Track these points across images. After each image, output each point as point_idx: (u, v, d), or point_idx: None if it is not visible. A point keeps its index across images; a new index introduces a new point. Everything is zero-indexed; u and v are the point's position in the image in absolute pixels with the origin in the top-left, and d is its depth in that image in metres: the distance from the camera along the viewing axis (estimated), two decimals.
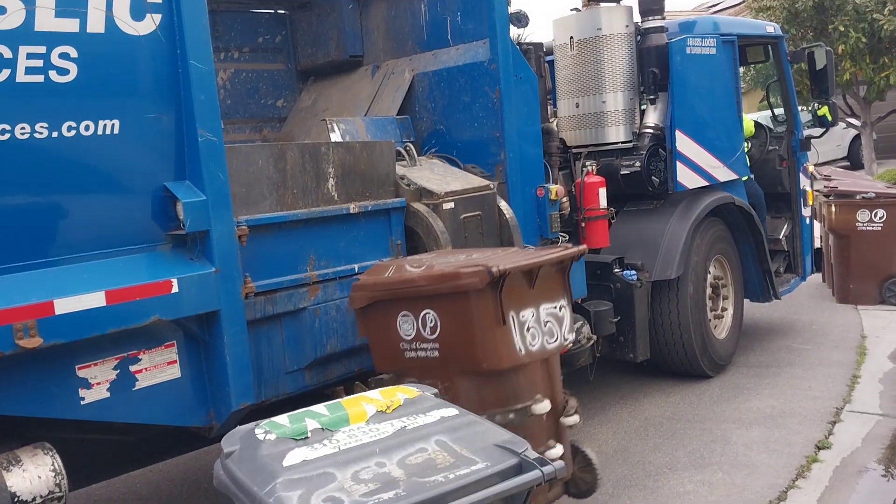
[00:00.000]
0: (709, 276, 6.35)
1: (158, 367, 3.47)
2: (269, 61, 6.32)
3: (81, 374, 3.24)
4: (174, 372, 3.52)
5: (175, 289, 3.35)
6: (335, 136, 4.78)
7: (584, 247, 3.96)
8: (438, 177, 4.64)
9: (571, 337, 3.90)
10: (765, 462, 4.77)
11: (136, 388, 3.40)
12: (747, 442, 5.08)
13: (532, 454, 2.40)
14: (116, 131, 3.27)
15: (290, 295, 3.95)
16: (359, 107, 5.66)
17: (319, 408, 2.65)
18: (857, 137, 19.43)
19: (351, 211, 4.20)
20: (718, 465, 4.79)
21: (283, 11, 6.38)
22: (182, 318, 3.45)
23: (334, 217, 4.15)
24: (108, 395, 3.32)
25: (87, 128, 3.18)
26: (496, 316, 3.44)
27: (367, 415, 2.59)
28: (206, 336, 3.57)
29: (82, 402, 3.24)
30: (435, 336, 3.50)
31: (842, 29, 15.32)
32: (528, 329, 3.60)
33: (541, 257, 3.66)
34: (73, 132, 3.14)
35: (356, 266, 4.24)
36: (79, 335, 3.11)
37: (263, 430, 2.50)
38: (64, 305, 3.06)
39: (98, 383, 3.29)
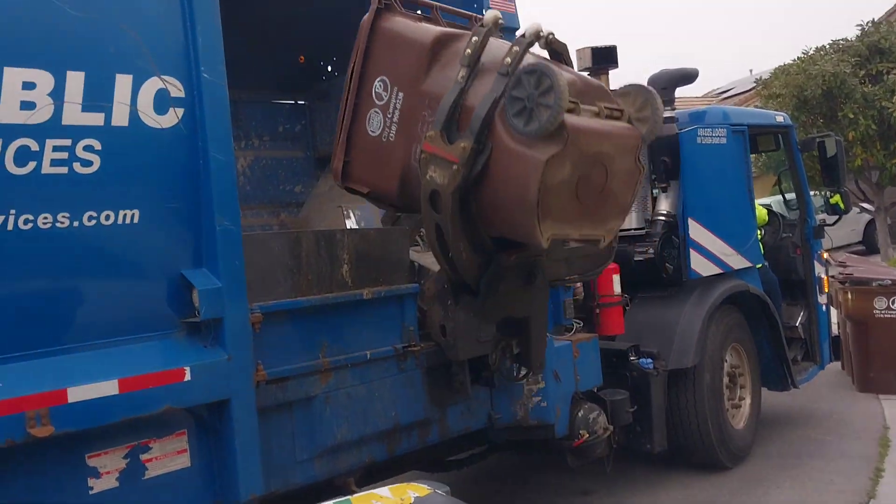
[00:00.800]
0: (725, 364, 6.28)
1: (169, 456, 3.43)
2: (288, 149, 6.47)
3: (91, 462, 3.20)
4: (184, 461, 3.48)
5: (188, 377, 3.34)
6: (350, 223, 4.84)
7: None
8: None
9: None
10: None
11: (145, 477, 3.35)
12: None
13: None
14: (136, 221, 3.32)
15: (302, 382, 3.93)
16: None
17: None
18: (871, 222, 19.44)
19: (364, 297, 4.21)
20: None
21: (303, 102, 6.57)
22: (193, 406, 3.43)
23: (348, 303, 4.15)
24: (116, 484, 3.27)
25: (107, 217, 3.23)
26: None
27: None
28: (217, 424, 3.54)
29: (91, 492, 3.20)
30: None
31: (851, 116, 15.50)
32: None
33: None
34: (93, 221, 3.19)
35: (368, 352, 4.23)
36: (91, 423, 3.09)
37: None
38: (77, 394, 3.04)
39: (107, 472, 3.25)
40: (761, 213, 7.23)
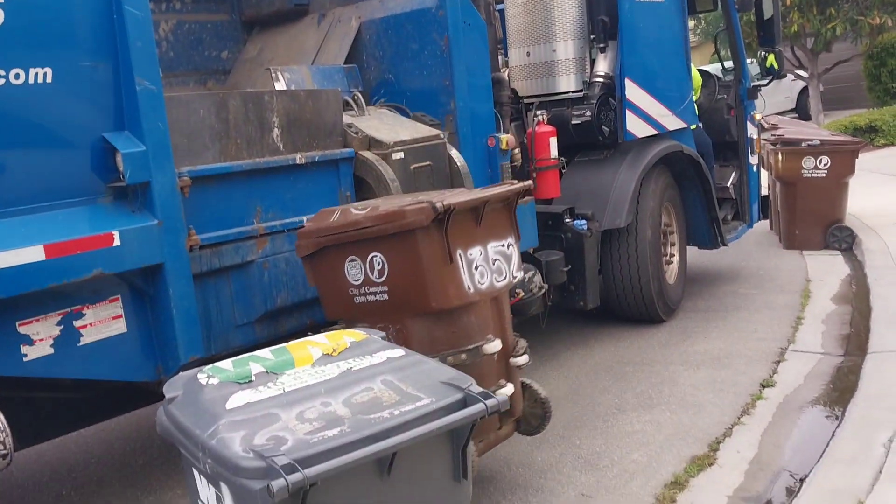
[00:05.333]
0: (662, 222, 6.44)
1: (103, 322, 3.42)
2: (212, 12, 6.15)
3: (23, 330, 3.17)
4: (120, 327, 3.47)
5: (117, 242, 3.29)
6: (280, 86, 4.69)
7: (528, 182, 3.94)
8: (388, 126, 4.59)
9: (520, 275, 3.90)
10: (711, 401, 4.89)
11: (80, 343, 3.35)
12: (694, 383, 5.20)
13: (476, 389, 2.44)
14: (49, 80, 3.16)
15: (237, 248, 3.91)
16: (305, 56, 5.56)
17: (264, 352, 2.63)
18: (804, 89, 19.74)
19: (297, 161, 4.14)
20: (666, 405, 4.90)
21: None
22: (125, 272, 3.39)
23: (280, 168, 4.09)
24: (51, 351, 3.26)
25: (17, 76, 3.07)
26: (443, 253, 3.43)
27: (313, 358, 2.59)
28: (152, 290, 3.52)
29: (25, 359, 3.18)
30: (383, 279, 3.48)
31: None
32: (477, 267, 3.60)
33: (486, 193, 3.65)
34: (2, 81, 3.03)
35: (304, 218, 4.19)
36: (17, 290, 3.04)
37: (206, 375, 2.48)
38: (1, 260, 2.98)
39: (41, 339, 3.23)
40: (696, 76, 7.24)
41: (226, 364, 2.57)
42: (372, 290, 3.51)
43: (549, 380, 5.45)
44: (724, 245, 7.12)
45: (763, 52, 7.58)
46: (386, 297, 3.48)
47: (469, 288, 3.54)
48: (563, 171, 5.68)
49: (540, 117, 5.54)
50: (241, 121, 3.95)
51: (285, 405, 2.31)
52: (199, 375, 2.50)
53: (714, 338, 6.04)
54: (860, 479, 3.60)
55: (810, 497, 3.55)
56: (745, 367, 5.39)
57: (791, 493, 3.76)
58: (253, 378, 2.45)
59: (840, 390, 4.89)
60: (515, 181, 3.92)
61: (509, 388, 3.66)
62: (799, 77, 18.63)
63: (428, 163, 4.53)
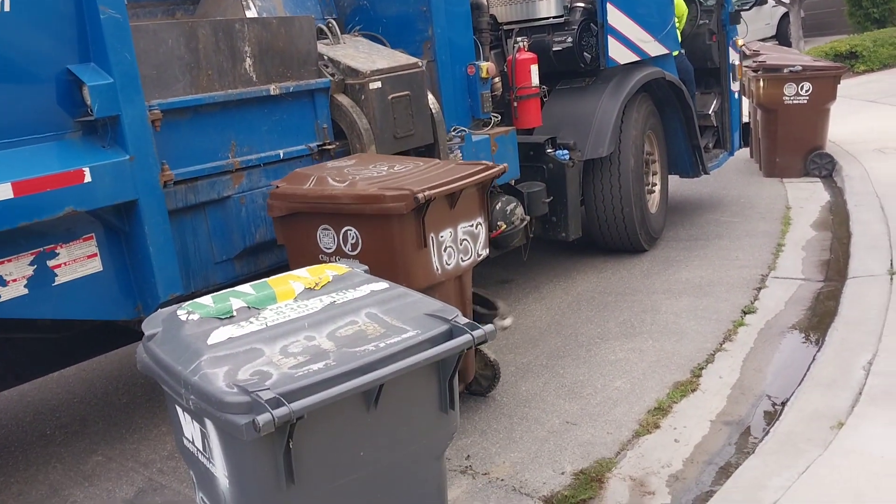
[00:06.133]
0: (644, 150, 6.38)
1: (78, 261, 3.34)
2: None
3: None
4: (95, 265, 3.39)
5: (88, 178, 3.19)
6: (251, 14, 4.53)
7: (504, 165, 3.92)
8: (364, 55, 4.46)
9: (485, 252, 3.92)
10: (693, 328, 4.93)
11: (55, 283, 3.27)
12: (677, 311, 5.23)
13: (462, 320, 2.40)
14: (7, 8, 3.01)
15: (213, 183, 3.82)
16: None
17: (245, 287, 2.57)
18: (785, 15, 19.48)
19: (271, 93, 4.02)
20: (649, 333, 4.93)
21: None
22: (98, 209, 3.30)
23: (254, 99, 3.97)
24: (26, 291, 3.19)
25: None
26: (418, 239, 3.47)
27: (295, 292, 2.52)
28: (127, 227, 3.44)
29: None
30: (356, 253, 3.51)
31: None
32: (446, 248, 3.63)
33: (464, 180, 3.62)
34: None
35: (281, 152, 4.12)
36: None
37: (186, 311, 2.41)
38: None
39: (14, 280, 3.16)
40: (680, 4, 7.08)
41: (206, 300, 2.50)
42: (343, 260, 3.47)
43: (532, 312, 5.47)
44: (707, 173, 7.09)
45: None
46: None
47: (437, 269, 3.59)
48: (545, 99, 5.57)
49: (521, 44, 5.40)
50: (211, 51, 3.81)
51: (268, 340, 2.25)
52: (179, 311, 2.43)
53: (696, 266, 6.06)
54: (840, 401, 3.65)
55: (791, 420, 3.59)
56: (727, 294, 5.42)
57: (772, 416, 3.82)
58: (234, 313, 2.39)
59: (820, 315, 4.93)
60: (491, 164, 3.85)
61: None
62: (780, 3, 18.39)
63: (406, 92, 4.41)
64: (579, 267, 6.32)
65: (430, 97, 4.61)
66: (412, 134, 4.46)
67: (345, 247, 3.55)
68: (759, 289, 5.47)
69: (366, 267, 2.82)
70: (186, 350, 2.21)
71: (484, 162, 4.01)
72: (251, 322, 2.34)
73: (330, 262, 3.51)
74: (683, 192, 8.10)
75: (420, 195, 3.34)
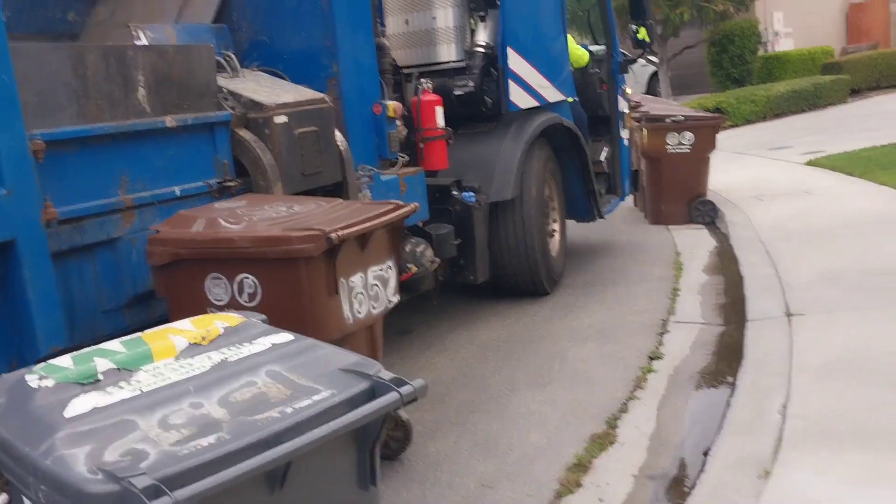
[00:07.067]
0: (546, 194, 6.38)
1: None
2: None
3: None
4: None
5: None
6: (142, 44, 4.19)
7: (416, 204, 3.74)
8: (266, 89, 4.21)
9: (396, 299, 3.68)
10: (602, 375, 4.83)
11: None
12: (584, 357, 5.13)
13: (387, 375, 2.08)
14: None
15: (102, 222, 3.44)
16: (167, 17, 5.03)
17: (113, 344, 2.14)
18: (654, 74, 20.54)
19: (167, 125, 3.69)
20: (559, 381, 4.80)
21: None
22: None
23: (148, 132, 3.63)
24: None
25: None
26: (328, 284, 3.16)
27: (177, 348, 2.12)
28: (3, 270, 3.01)
29: None
30: (253, 304, 3.12)
31: None
32: (357, 295, 3.36)
33: (376, 219, 3.37)
34: None
35: (177, 189, 3.78)
36: None
37: (38, 376, 1.96)
38: None
39: None
40: (579, 53, 7.22)
41: (63, 360, 2.05)
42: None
43: (437, 364, 5.24)
44: (602, 217, 7.18)
45: (634, 26, 7.67)
46: None
47: (348, 318, 3.30)
48: (451, 142, 5.46)
49: (425, 85, 5.29)
50: (101, 78, 3.46)
51: (144, 409, 1.85)
52: (28, 377, 1.96)
53: (596, 311, 6.03)
54: (762, 447, 3.59)
55: (717, 470, 3.50)
56: (631, 339, 5.38)
57: (696, 467, 3.69)
58: (100, 377, 1.96)
59: (727, 359, 4.93)
60: (402, 203, 3.65)
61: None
62: (650, 62, 19.36)
63: (314, 128, 4.17)
64: (481, 314, 6.17)
65: (338, 134, 4.39)
66: (320, 171, 4.22)
67: (240, 297, 3.16)
68: (662, 333, 5.46)
69: (263, 316, 2.47)
70: (37, 426, 1.78)
71: (393, 201, 3.78)
72: (121, 387, 1.94)
73: None
74: (576, 239, 8.10)
75: (333, 235, 3.06)
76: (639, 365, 4.94)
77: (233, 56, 4.38)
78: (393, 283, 3.63)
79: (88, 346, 3.12)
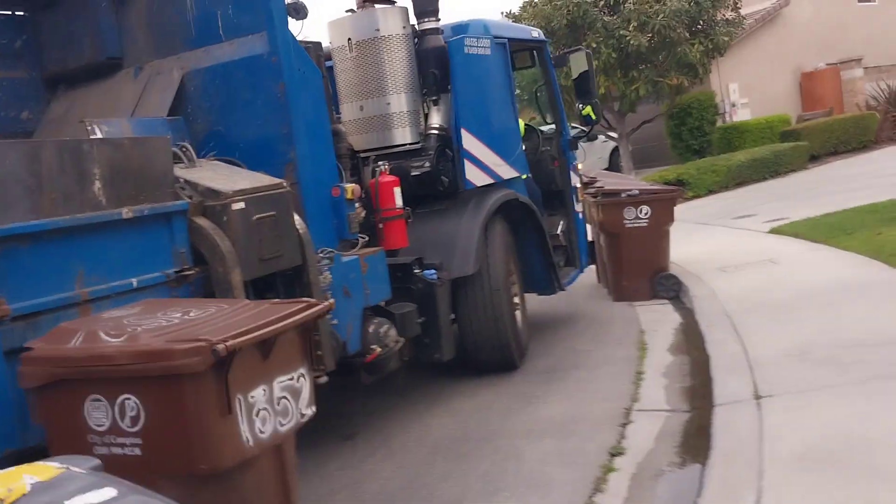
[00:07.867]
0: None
1: None
2: (7, 68, 5.54)
3: None
4: None
5: None
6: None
7: (332, 301, 3.54)
8: (223, 177, 4.24)
9: (310, 411, 3.31)
10: (560, 477, 4.43)
11: None
12: (541, 456, 4.73)
13: None
14: None
15: (57, 317, 3.36)
16: (122, 111, 5.09)
17: None
18: (615, 149, 21.05)
19: (124, 216, 3.68)
20: (513, 488, 4.37)
21: (21, 13, 5.63)
22: None
23: (104, 224, 3.61)
24: None
25: None
26: (219, 403, 2.81)
27: None
28: None
29: None
30: (136, 429, 2.80)
31: (594, 45, 16.54)
32: (259, 412, 2.99)
33: (280, 322, 3.05)
34: None
35: (134, 280, 3.74)
36: None
37: None
38: None
39: None
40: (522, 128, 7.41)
41: None
42: (120, 440, 2.83)
43: (381, 472, 4.84)
44: (562, 289, 7.23)
45: (580, 105, 7.90)
46: (138, 451, 2.80)
47: (248, 440, 2.92)
48: (410, 221, 5.51)
49: (383, 167, 5.37)
50: (56, 173, 3.46)
51: None
52: None
53: (556, 401, 5.65)
54: None
55: None
56: (592, 432, 4.98)
57: None
58: None
59: (694, 451, 4.55)
60: (314, 301, 3.45)
61: None
62: (610, 138, 19.88)
63: (272, 213, 4.18)
64: (434, 410, 5.76)
65: (297, 218, 4.41)
66: (280, 255, 4.21)
67: (122, 422, 2.81)
68: (625, 424, 5.06)
69: (96, 461, 2.04)
70: None
71: (305, 299, 3.54)
72: None
73: (101, 444, 2.81)
74: (539, 318, 7.90)
75: (220, 346, 2.70)
76: (599, 463, 4.54)
77: (189, 146, 4.41)
78: (307, 392, 3.26)
79: (42, 447, 3.01)
